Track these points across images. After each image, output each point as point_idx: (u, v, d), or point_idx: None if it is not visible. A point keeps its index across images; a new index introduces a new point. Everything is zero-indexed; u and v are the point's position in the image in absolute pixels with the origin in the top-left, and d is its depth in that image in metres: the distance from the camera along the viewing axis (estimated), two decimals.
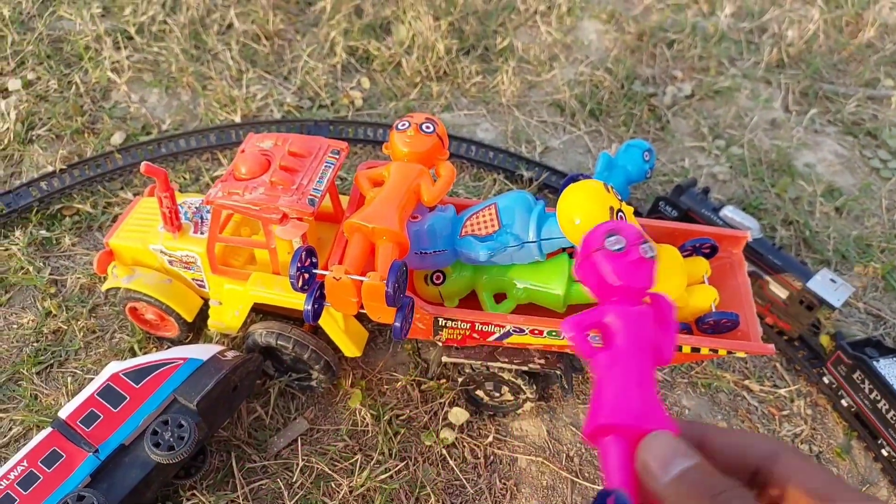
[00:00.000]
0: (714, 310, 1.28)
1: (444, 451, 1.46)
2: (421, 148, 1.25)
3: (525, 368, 1.36)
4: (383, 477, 1.40)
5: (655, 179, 2.05)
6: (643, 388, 0.72)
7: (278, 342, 1.39)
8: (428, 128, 1.26)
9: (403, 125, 1.27)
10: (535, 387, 1.42)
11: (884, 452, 1.48)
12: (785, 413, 1.59)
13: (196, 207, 1.46)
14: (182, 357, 1.36)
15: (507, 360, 1.36)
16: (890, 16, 2.83)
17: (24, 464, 1.22)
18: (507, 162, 2.03)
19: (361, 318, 1.47)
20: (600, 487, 1.41)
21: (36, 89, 2.09)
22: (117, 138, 1.96)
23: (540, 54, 2.47)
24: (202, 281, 1.46)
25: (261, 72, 2.23)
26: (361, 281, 1.13)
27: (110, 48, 2.20)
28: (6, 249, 1.70)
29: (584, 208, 1.08)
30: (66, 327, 1.57)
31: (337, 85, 2.23)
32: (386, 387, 1.55)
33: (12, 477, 1.21)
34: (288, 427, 1.47)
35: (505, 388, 1.45)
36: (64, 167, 1.83)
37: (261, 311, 1.50)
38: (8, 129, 1.94)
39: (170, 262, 1.46)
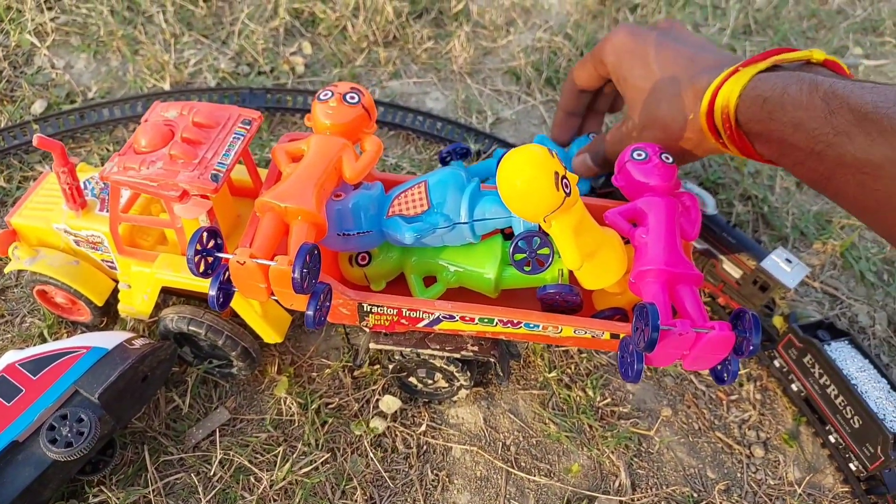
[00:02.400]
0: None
1: (372, 442, 1.38)
2: (344, 120, 1.16)
3: (457, 356, 1.28)
4: (307, 469, 1.32)
5: None
6: (670, 248, 1.13)
7: (190, 328, 1.30)
8: (352, 98, 1.17)
9: (326, 95, 1.17)
10: (469, 374, 1.34)
11: (831, 439, 1.43)
12: (733, 398, 1.52)
13: (102, 185, 1.36)
14: (86, 346, 1.26)
15: (438, 347, 1.28)
16: None
17: None
18: (455, 133, 1.92)
19: None
20: (536, 479, 1.33)
21: None
22: (38, 107, 1.83)
23: (497, 18, 2.35)
24: (112, 262, 1.36)
25: (197, 35, 2.09)
26: (268, 265, 1.04)
27: (33, 9, 2.05)
28: None
29: (525, 173, 0.98)
30: None
31: (278, 50, 2.10)
32: (315, 373, 1.47)
33: None
34: (207, 417, 1.39)
35: (438, 375, 1.37)
36: None
37: (178, 295, 1.41)
38: None
39: (76, 243, 1.35)
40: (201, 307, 1.33)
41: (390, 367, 1.36)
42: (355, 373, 1.47)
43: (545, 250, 1.13)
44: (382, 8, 2.21)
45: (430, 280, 1.28)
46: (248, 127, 1.23)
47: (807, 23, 2.52)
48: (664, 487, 1.38)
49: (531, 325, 1.17)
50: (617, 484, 1.38)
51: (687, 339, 1.08)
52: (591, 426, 1.44)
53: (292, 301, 1.12)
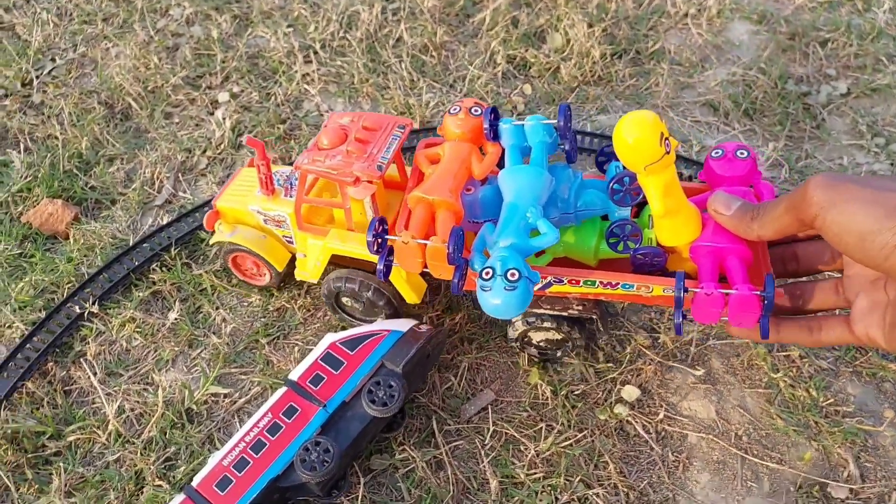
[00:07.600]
0: None
1: (616, 426, 1.59)
2: (470, 128, 1.45)
3: (565, 314, 1.51)
4: (565, 444, 1.55)
5: None
6: (721, 228, 1.25)
7: (346, 284, 1.63)
8: (476, 111, 1.46)
9: (455, 110, 1.47)
10: (575, 328, 1.57)
11: None
12: None
13: (286, 176, 1.74)
14: (386, 329, 1.57)
15: (549, 306, 1.51)
16: None
17: (269, 416, 1.46)
18: None
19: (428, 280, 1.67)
20: (769, 465, 1.50)
21: (241, 100, 2.39)
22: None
23: (691, 56, 2.55)
24: (290, 237, 1.73)
25: (430, 81, 2.44)
26: (425, 244, 1.32)
27: (301, 62, 2.48)
28: None
29: (636, 128, 1.15)
30: (287, 306, 1.83)
31: (500, 91, 2.41)
32: (560, 367, 1.70)
33: (261, 426, 1.45)
34: (477, 397, 1.65)
35: (553, 333, 1.60)
36: None
37: (339, 265, 1.69)
38: (224, 135, 2.25)
39: (264, 221, 1.73)
40: (354, 271, 1.64)
41: (516, 333, 1.61)
42: (597, 367, 1.69)
43: (634, 235, 1.38)
44: (588, 51, 2.47)
45: (539, 254, 1.48)
46: (402, 131, 1.58)
47: None
48: (894, 480, 1.49)
49: (626, 286, 1.37)
50: (846, 474, 1.50)
51: (715, 299, 1.24)
52: (816, 422, 1.58)
53: (441, 272, 1.39)
